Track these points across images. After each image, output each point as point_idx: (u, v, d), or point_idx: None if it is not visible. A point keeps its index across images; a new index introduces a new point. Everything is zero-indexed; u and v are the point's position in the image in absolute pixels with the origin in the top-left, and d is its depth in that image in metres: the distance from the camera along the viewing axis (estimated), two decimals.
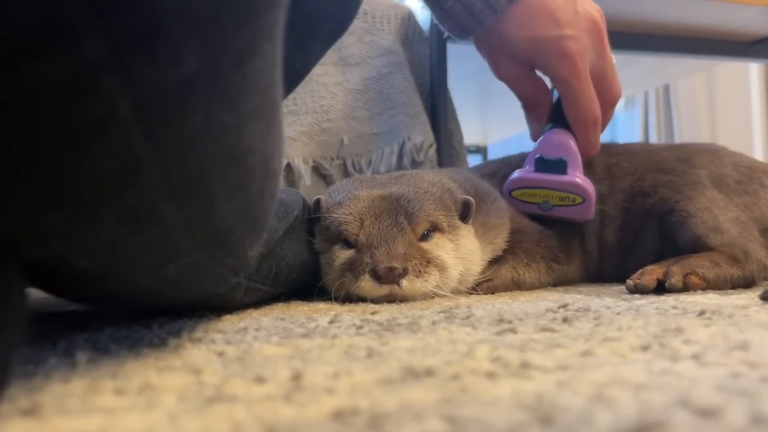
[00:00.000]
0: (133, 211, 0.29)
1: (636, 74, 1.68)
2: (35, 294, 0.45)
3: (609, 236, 0.84)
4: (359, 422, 0.22)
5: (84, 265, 0.32)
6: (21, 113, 0.24)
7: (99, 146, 0.26)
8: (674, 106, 3.08)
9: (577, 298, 0.62)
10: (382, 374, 0.29)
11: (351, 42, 1.26)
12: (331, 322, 0.47)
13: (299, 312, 0.55)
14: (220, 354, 0.35)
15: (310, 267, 0.67)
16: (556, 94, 0.84)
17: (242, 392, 0.26)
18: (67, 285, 0.38)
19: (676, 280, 0.65)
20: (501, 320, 0.45)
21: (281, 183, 0.94)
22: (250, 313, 0.54)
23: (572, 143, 0.80)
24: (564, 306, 0.52)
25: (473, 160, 2.23)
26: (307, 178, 1.19)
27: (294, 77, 0.70)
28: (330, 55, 1.21)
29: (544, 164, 0.80)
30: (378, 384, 0.27)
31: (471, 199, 0.70)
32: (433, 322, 0.45)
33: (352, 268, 0.63)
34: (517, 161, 0.89)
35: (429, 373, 0.29)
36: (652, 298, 0.60)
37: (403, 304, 0.59)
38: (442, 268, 0.64)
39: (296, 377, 0.28)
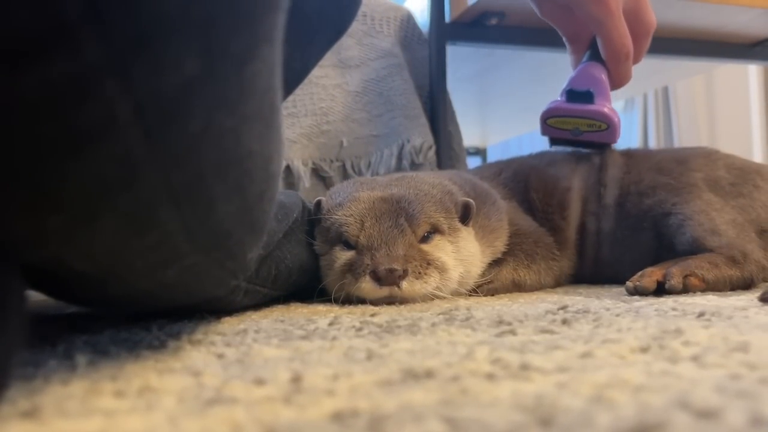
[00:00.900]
0: (132, 215, 0.29)
1: (635, 76, 1.68)
2: (35, 296, 0.45)
3: (607, 233, 0.84)
4: (359, 424, 0.22)
5: (83, 268, 0.32)
6: (21, 117, 0.24)
7: (98, 150, 0.26)
8: (673, 108, 3.08)
9: (577, 299, 0.62)
10: (381, 376, 0.29)
11: (350, 44, 1.26)
12: (331, 324, 0.47)
13: (299, 314, 0.55)
14: (220, 356, 0.35)
15: (310, 269, 0.67)
16: None
17: (242, 394, 0.26)
18: (67, 287, 0.38)
19: (675, 281, 0.65)
20: (500, 322, 0.45)
21: (280, 185, 0.94)
22: (249, 316, 0.54)
23: (603, 76, 0.88)
24: (563, 308, 0.52)
25: (472, 162, 2.23)
26: (306, 180, 1.20)
27: (293, 79, 0.70)
28: (329, 58, 1.21)
29: (573, 95, 0.89)
30: (378, 386, 0.27)
31: (471, 201, 0.70)
32: (433, 324, 0.45)
33: (352, 269, 0.63)
34: (517, 164, 0.90)
35: (429, 374, 0.29)
36: (652, 300, 0.60)
37: (402, 306, 0.59)
38: (442, 269, 0.64)
39: (296, 379, 0.28)
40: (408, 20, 1.30)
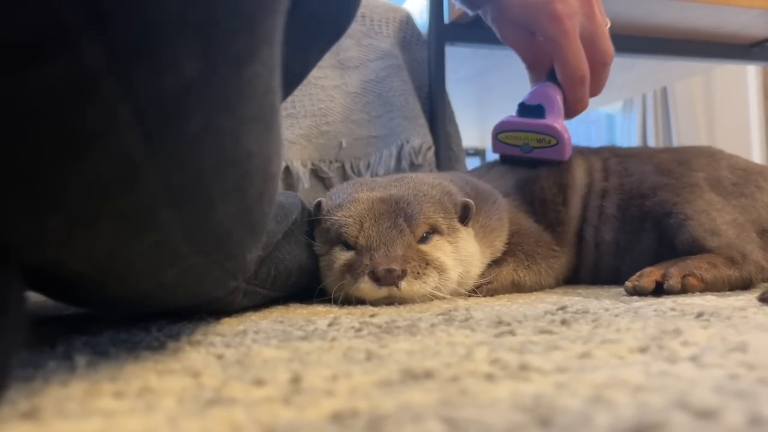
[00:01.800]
0: (131, 216, 0.29)
1: (634, 77, 1.68)
2: (34, 297, 0.45)
3: (606, 235, 0.84)
4: (358, 424, 0.22)
5: (83, 270, 0.32)
6: (20, 119, 0.24)
7: (98, 152, 0.26)
8: (672, 109, 3.09)
9: (576, 300, 0.62)
10: (381, 376, 0.29)
11: (349, 45, 1.26)
12: (330, 324, 0.47)
13: (298, 315, 0.55)
14: (219, 357, 0.35)
15: (309, 270, 0.67)
16: None
17: (241, 395, 0.26)
18: (66, 289, 0.38)
19: (674, 281, 0.65)
20: (500, 322, 0.45)
21: (280, 186, 0.95)
22: (249, 316, 0.54)
23: (557, 96, 0.87)
24: (562, 308, 0.52)
25: (471, 163, 2.23)
26: (305, 181, 1.19)
27: (292, 80, 0.70)
28: (328, 59, 1.21)
29: (524, 109, 0.89)
30: (377, 386, 0.27)
31: (470, 201, 0.70)
32: (432, 325, 0.45)
33: (351, 270, 0.63)
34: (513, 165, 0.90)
35: (428, 375, 0.29)
36: (651, 300, 0.60)
37: (402, 307, 0.60)
38: (441, 270, 0.64)
39: (295, 380, 0.28)
40: (407, 21, 1.30)
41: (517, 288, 0.75)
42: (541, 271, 0.77)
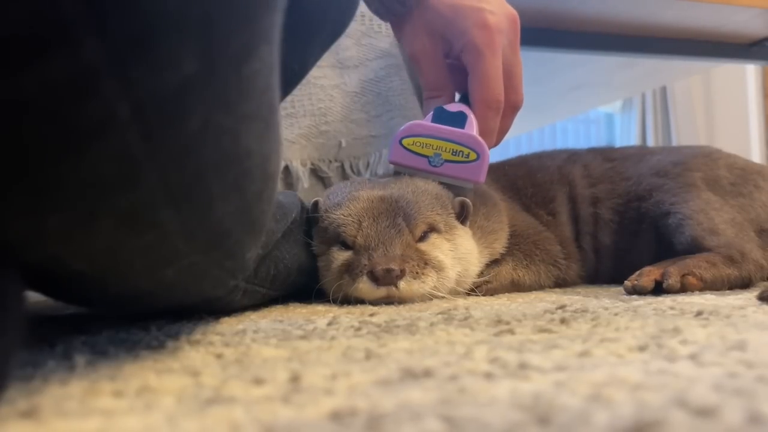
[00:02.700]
0: (130, 214, 0.29)
1: (634, 76, 1.68)
2: (33, 297, 0.45)
3: (604, 239, 0.84)
4: (357, 423, 0.22)
5: (82, 268, 0.32)
6: (19, 116, 0.24)
7: (97, 149, 0.26)
8: (672, 108, 3.09)
9: (575, 299, 0.62)
10: (380, 375, 0.29)
11: (348, 44, 1.26)
12: (330, 323, 0.47)
13: (297, 314, 0.55)
14: (219, 356, 0.35)
15: (309, 269, 0.67)
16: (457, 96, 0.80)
17: (241, 394, 0.26)
18: (66, 288, 0.38)
19: (673, 280, 0.65)
20: (499, 321, 0.45)
21: (279, 186, 0.94)
22: (248, 316, 0.54)
23: (473, 115, 0.74)
24: (562, 307, 0.52)
25: None
26: (305, 181, 1.19)
27: (291, 79, 0.70)
28: (327, 58, 1.21)
29: (443, 115, 0.74)
30: (376, 385, 0.27)
31: (467, 200, 0.70)
32: (431, 324, 0.45)
33: (349, 269, 0.63)
34: (516, 166, 0.90)
35: (427, 374, 0.29)
36: (650, 299, 0.60)
37: (401, 306, 0.60)
38: (439, 269, 0.64)
39: (294, 379, 0.28)
40: None
41: (516, 287, 0.75)
42: (540, 271, 0.77)
